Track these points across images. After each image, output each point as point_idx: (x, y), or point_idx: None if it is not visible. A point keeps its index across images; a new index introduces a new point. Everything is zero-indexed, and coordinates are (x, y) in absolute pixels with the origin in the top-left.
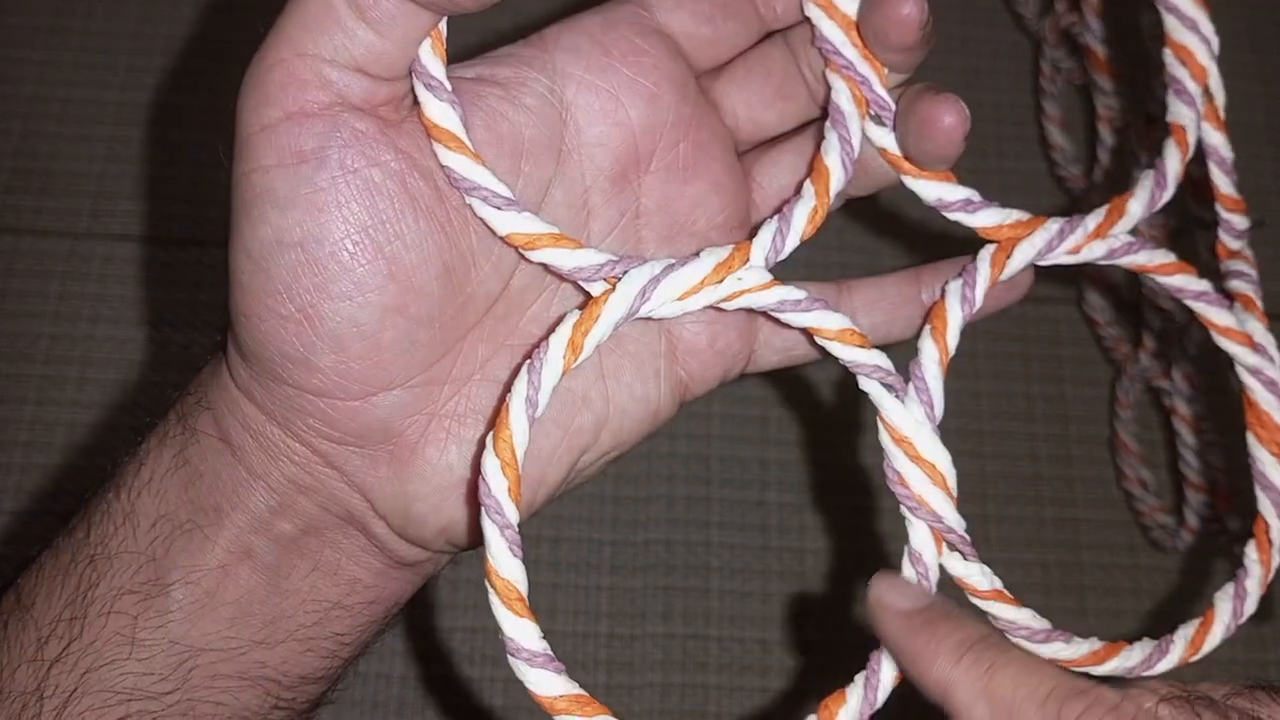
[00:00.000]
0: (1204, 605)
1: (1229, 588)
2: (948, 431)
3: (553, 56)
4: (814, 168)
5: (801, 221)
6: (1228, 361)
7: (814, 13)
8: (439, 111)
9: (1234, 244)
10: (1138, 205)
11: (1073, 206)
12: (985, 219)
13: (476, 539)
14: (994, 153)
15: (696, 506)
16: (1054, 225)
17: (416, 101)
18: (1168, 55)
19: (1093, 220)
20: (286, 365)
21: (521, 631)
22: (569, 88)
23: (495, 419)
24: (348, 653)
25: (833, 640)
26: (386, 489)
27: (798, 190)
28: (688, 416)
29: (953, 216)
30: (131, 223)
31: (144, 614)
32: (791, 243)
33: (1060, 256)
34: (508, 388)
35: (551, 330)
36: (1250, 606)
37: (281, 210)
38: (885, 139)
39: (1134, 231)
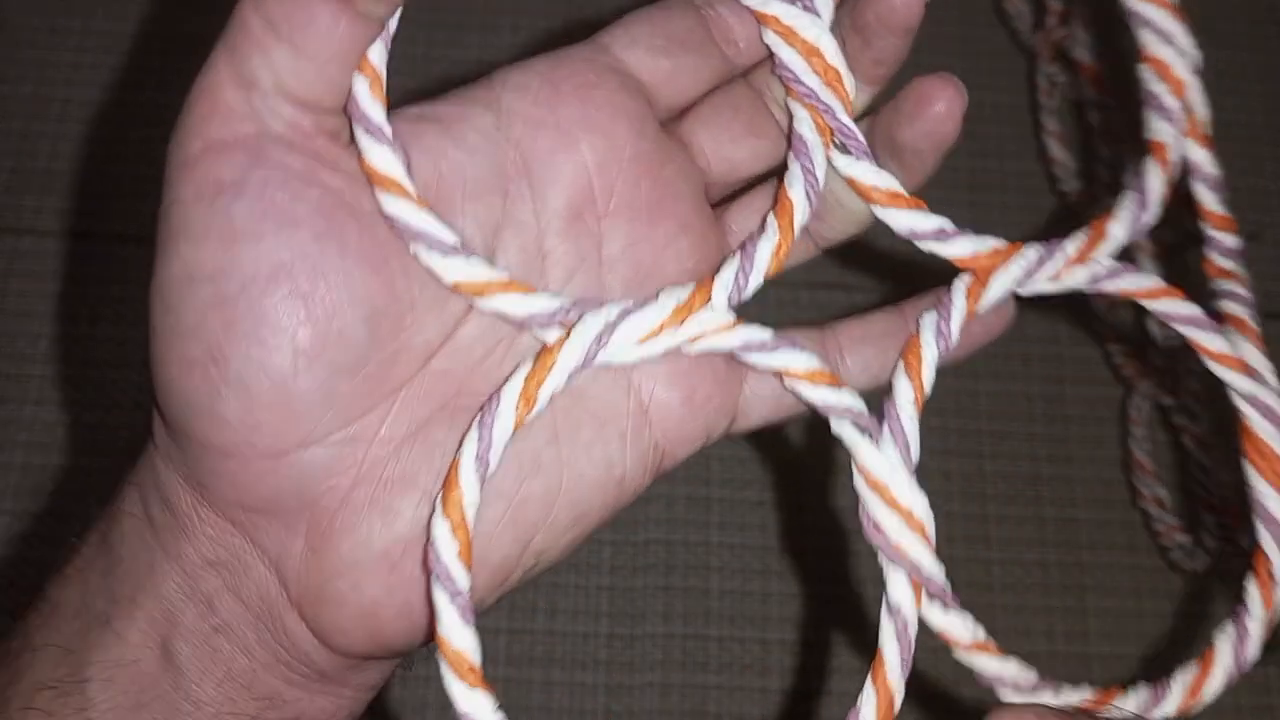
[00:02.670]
0: (1205, 609)
1: (1230, 629)
2: (947, 431)
3: (499, 94)
4: (777, 200)
5: (765, 258)
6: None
7: (772, 40)
8: (380, 157)
9: (1225, 263)
10: (1119, 228)
11: (1074, 222)
12: (960, 249)
13: (401, 625)
14: (996, 170)
15: (696, 506)
16: (1031, 253)
17: (356, 145)
18: (1144, 70)
19: (1072, 245)
20: (191, 417)
21: (475, 704)
22: (516, 124)
23: (445, 479)
24: None
25: (833, 639)
26: (301, 565)
27: (761, 225)
28: None
29: (926, 247)
30: (131, 223)
31: (60, 711)
32: (755, 280)
33: (1041, 285)
34: (458, 447)
35: (503, 383)
36: (1253, 650)
37: (194, 244)
38: (852, 168)
39: (1130, 250)
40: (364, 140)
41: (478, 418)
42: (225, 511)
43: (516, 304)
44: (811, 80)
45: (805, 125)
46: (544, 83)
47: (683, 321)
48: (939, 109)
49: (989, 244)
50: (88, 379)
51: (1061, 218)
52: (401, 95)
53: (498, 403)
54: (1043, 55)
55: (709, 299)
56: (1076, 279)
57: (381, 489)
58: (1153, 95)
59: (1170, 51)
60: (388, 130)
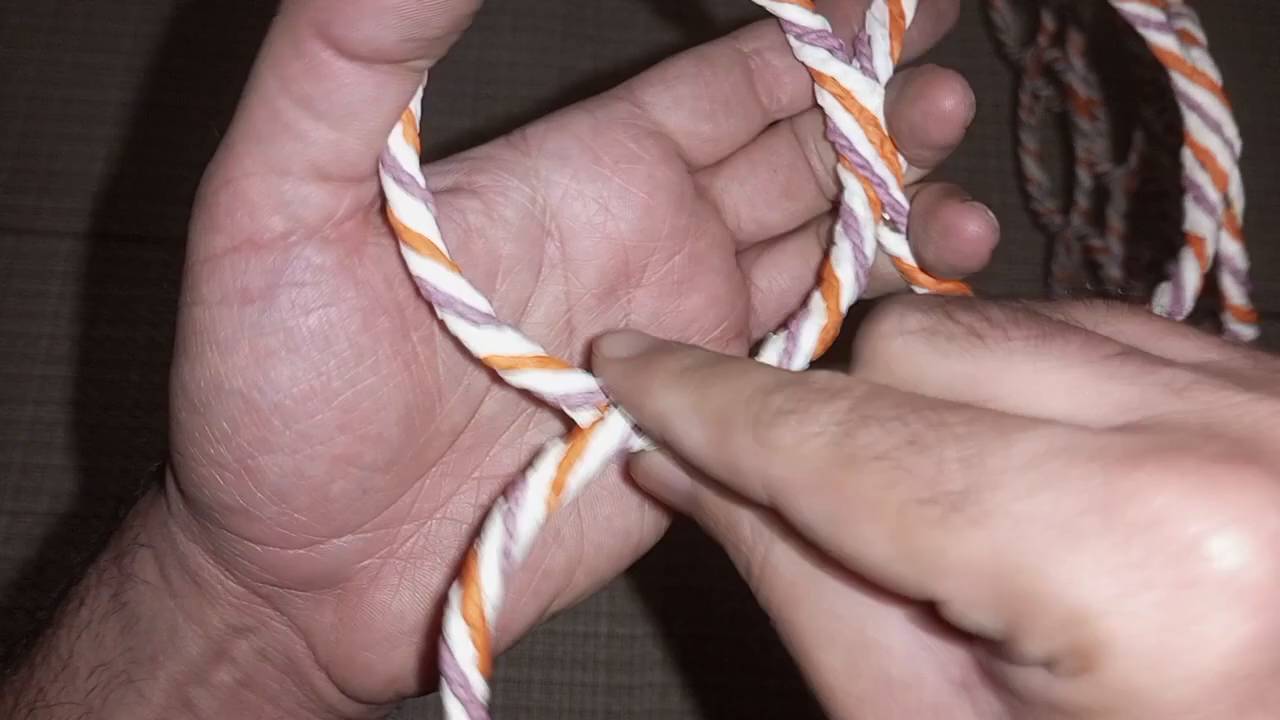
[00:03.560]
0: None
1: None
2: None
3: (536, 162)
4: (823, 278)
5: (811, 341)
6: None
7: (829, 103)
8: (410, 211)
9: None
10: None
11: (1048, 243)
12: None
13: (428, 685)
14: (997, 170)
15: None
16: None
17: (385, 202)
18: (1188, 156)
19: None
20: (224, 513)
21: None
22: (553, 197)
23: (462, 571)
24: None
25: None
26: (330, 636)
27: (805, 302)
28: None
29: None
30: (132, 223)
31: None
32: (799, 363)
33: None
34: (476, 531)
35: (529, 466)
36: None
37: (223, 353)
38: (899, 246)
39: (1104, 231)
40: (393, 191)
41: (503, 506)
42: (251, 586)
43: (550, 381)
44: (867, 150)
45: (858, 200)
46: (583, 150)
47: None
48: (966, 244)
49: None
50: (88, 379)
51: (1038, 251)
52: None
53: (524, 489)
54: (1029, 73)
55: None
56: None
57: (410, 564)
58: (1195, 185)
59: (1216, 141)
60: (421, 181)
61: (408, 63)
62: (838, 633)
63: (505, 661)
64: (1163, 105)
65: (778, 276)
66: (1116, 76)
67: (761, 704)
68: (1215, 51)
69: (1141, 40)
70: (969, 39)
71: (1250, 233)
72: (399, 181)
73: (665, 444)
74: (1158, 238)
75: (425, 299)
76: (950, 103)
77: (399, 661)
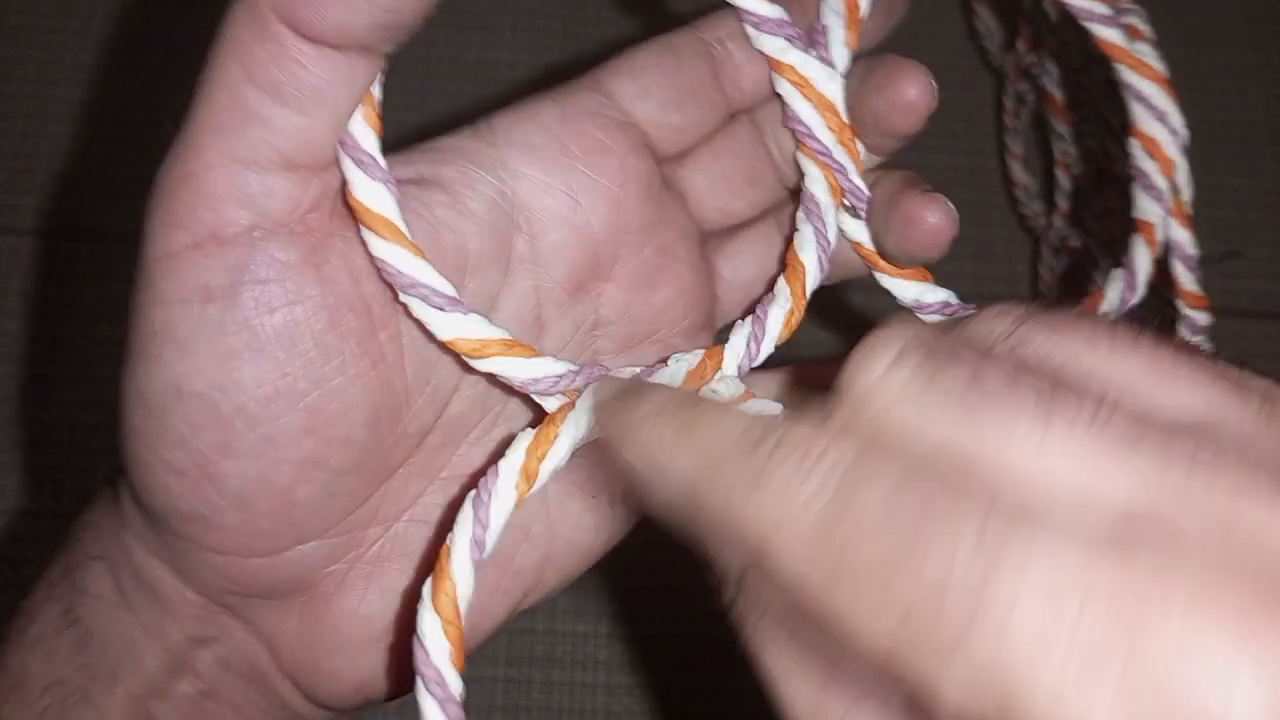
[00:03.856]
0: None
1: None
2: None
3: (503, 153)
4: (788, 264)
5: (777, 325)
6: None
7: (787, 91)
8: (370, 193)
9: (1195, 340)
10: (1108, 306)
11: (1034, 245)
12: None
13: (398, 689)
14: (995, 170)
15: None
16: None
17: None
18: (1135, 146)
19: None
20: (182, 521)
21: None
22: (522, 189)
23: (434, 565)
24: None
25: None
26: (295, 643)
27: (769, 287)
28: None
29: (928, 319)
30: (132, 222)
31: None
32: (767, 349)
33: None
34: (446, 527)
35: (498, 456)
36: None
37: (182, 354)
38: (860, 232)
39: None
40: (353, 173)
41: (473, 496)
42: (214, 596)
43: (518, 367)
44: (826, 137)
45: (818, 185)
46: (551, 141)
47: (695, 390)
48: (926, 234)
49: None
50: (88, 379)
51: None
52: (402, 95)
53: (496, 478)
54: (1011, 77)
55: (720, 366)
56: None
57: (377, 567)
58: (1142, 173)
59: (1162, 130)
60: (382, 162)
61: (375, 48)
62: (806, 676)
63: (505, 661)
64: (1118, 102)
65: (741, 265)
66: (1087, 80)
67: (762, 704)
68: (1214, 52)
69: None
70: (952, 44)
71: (1250, 233)
72: (358, 162)
73: (637, 493)
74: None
75: (387, 283)
76: (914, 92)
77: (367, 667)
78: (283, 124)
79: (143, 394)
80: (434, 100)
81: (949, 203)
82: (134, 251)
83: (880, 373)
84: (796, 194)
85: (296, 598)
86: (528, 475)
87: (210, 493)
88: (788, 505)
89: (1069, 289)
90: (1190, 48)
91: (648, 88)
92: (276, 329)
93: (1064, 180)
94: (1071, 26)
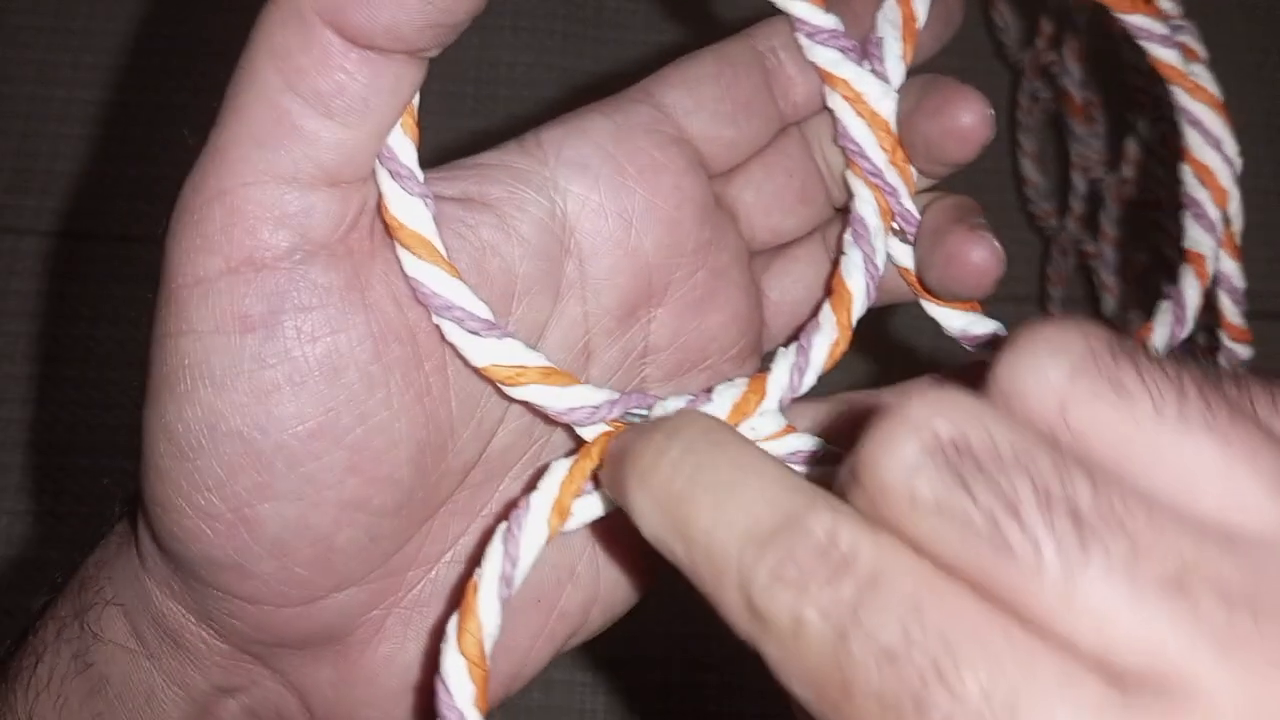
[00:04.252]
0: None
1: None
2: None
3: (554, 172)
4: (833, 290)
5: (821, 355)
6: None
7: (839, 106)
8: (405, 209)
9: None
10: (1157, 339)
11: (1044, 245)
12: None
13: None
14: (995, 170)
15: None
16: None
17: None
18: (1186, 173)
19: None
20: (213, 570)
21: None
22: (572, 210)
23: (460, 602)
24: None
25: None
26: (329, 693)
27: (815, 313)
28: None
29: (974, 350)
30: (132, 223)
31: None
32: (810, 380)
33: None
34: (476, 562)
35: (531, 487)
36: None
37: (217, 389)
38: (908, 258)
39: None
40: (388, 186)
41: (503, 530)
42: (243, 646)
43: (555, 396)
44: (878, 157)
45: (868, 208)
46: (605, 159)
47: (736, 425)
48: (970, 273)
49: None
50: (88, 379)
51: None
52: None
53: (526, 511)
54: (1028, 74)
55: (763, 396)
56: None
57: (416, 612)
58: (1194, 201)
59: (1216, 158)
60: (420, 176)
61: (423, 51)
62: None
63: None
64: (1157, 115)
65: (790, 286)
66: (1112, 82)
67: (762, 704)
68: (1214, 52)
69: (1142, 52)
70: (968, 38)
71: (1250, 233)
72: (395, 175)
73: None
74: (1151, 245)
75: (421, 304)
76: (970, 119)
77: (404, 718)
78: (326, 137)
79: (172, 432)
80: (434, 100)
81: (995, 241)
82: (134, 251)
83: (900, 473)
84: (842, 211)
85: (331, 647)
86: (560, 510)
87: (246, 539)
88: (796, 626)
89: (1077, 292)
90: None
91: (703, 101)
92: (319, 360)
93: (1080, 182)
94: (1105, 32)
